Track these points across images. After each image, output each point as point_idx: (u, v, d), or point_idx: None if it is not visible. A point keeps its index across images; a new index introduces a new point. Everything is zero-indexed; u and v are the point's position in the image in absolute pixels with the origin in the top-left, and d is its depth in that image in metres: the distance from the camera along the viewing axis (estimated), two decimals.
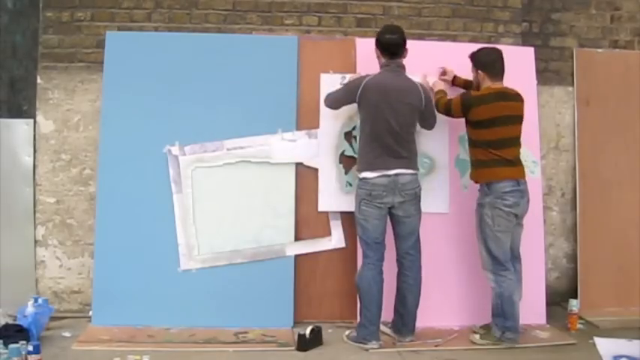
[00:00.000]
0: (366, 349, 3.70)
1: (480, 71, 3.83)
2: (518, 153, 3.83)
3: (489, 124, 3.73)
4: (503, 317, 3.77)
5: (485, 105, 3.73)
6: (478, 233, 3.85)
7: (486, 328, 3.96)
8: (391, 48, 3.76)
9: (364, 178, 3.73)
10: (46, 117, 4.37)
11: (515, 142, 3.82)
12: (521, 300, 3.86)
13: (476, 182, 3.90)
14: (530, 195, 3.91)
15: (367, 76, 3.77)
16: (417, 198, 3.79)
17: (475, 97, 3.80)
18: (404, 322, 3.81)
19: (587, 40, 4.85)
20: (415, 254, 3.82)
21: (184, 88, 4.17)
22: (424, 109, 3.80)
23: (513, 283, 3.79)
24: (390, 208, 3.74)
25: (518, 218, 3.83)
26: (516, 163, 3.81)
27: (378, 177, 3.69)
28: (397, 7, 4.57)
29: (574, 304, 4.19)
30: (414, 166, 3.80)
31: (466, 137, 3.96)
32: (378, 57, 3.83)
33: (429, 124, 3.96)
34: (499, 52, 3.86)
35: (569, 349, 3.81)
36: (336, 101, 3.95)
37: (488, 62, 3.82)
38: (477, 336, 3.85)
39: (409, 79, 3.78)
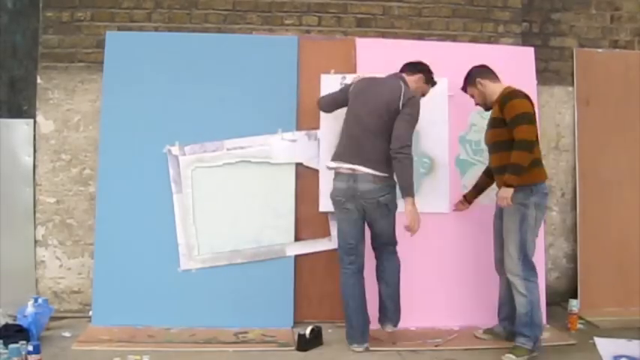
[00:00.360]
0: (352, 351, 3.71)
1: (483, 82, 3.68)
2: None
3: (534, 120, 3.56)
4: (533, 326, 3.54)
5: (529, 98, 3.60)
6: (514, 235, 3.56)
7: (490, 332, 3.92)
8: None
9: (334, 177, 3.73)
10: (46, 117, 4.37)
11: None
12: None
13: (516, 185, 3.47)
14: None
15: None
16: (382, 206, 3.64)
17: (522, 91, 3.57)
18: (383, 312, 3.83)
19: (587, 40, 4.85)
20: (390, 248, 3.79)
21: (184, 88, 4.17)
22: (401, 108, 3.59)
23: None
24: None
25: None
26: None
27: (336, 178, 3.69)
28: (397, 7, 4.56)
29: (574, 304, 4.19)
30: (380, 169, 3.60)
31: (467, 138, 3.94)
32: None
33: (397, 132, 3.56)
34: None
35: (570, 349, 3.81)
36: (327, 103, 3.95)
37: (484, 69, 3.72)
38: (512, 356, 3.51)
39: (396, 80, 3.73)
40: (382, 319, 3.85)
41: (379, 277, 3.82)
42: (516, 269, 3.57)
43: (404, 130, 3.58)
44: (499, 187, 3.61)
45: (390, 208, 3.70)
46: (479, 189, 4.04)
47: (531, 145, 3.48)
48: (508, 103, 3.53)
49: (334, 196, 3.72)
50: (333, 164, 3.72)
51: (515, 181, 3.45)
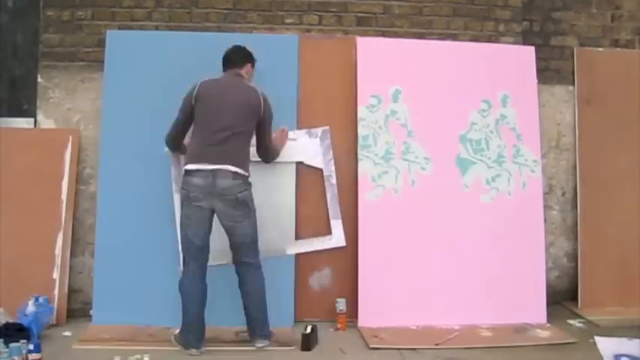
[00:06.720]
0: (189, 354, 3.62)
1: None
2: None
3: None
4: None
5: None
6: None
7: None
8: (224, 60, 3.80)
9: (185, 174, 3.62)
10: (47, 116, 4.37)
11: None
12: None
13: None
14: (531, 194, 3.89)
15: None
16: (241, 203, 3.60)
17: None
18: (253, 329, 3.73)
19: (587, 39, 4.85)
20: (253, 262, 3.71)
21: (185, 87, 4.15)
22: (262, 115, 3.70)
23: None
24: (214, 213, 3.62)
25: None
26: None
27: (196, 173, 3.56)
28: (397, 6, 4.56)
29: (341, 304, 4.08)
30: (243, 167, 3.61)
31: (467, 137, 3.94)
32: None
33: (264, 146, 3.82)
34: None
35: (570, 348, 3.81)
36: (172, 132, 3.81)
37: None
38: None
39: (240, 80, 3.76)
40: (255, 337, 3.70)
41: (245, 299, 3.71)
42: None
43: (270, 140, 3.85)
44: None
45: (250, 208, 3.65)
46: None
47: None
48: None
49: (188, 192, 3.57)
50: (194, 166, 3.58)
51: None
